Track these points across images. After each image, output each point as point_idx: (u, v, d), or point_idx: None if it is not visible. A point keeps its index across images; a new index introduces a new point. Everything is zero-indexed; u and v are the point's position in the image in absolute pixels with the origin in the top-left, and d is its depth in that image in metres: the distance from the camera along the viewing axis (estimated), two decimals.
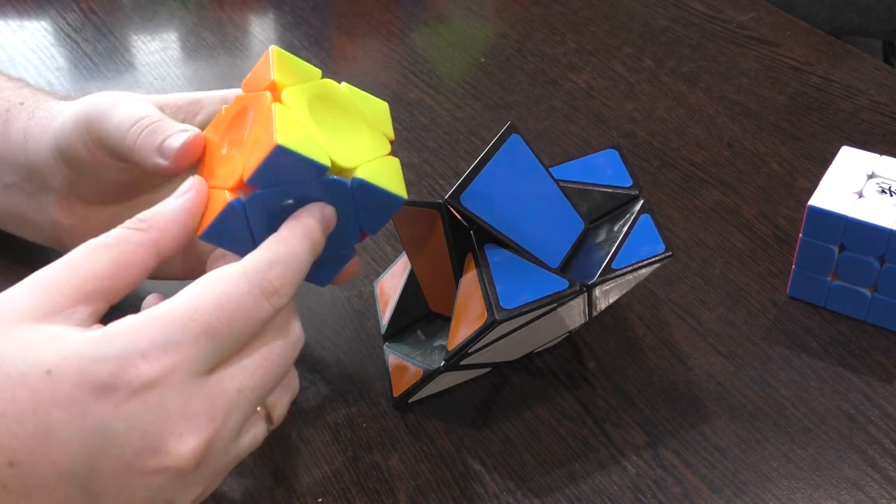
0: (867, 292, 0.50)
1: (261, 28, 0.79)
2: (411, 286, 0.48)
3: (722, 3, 0.80)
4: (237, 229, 0.38)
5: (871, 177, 0.51)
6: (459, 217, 0.43)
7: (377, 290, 0.51)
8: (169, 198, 0.38)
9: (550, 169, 0.45)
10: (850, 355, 0.49)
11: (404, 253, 0.49)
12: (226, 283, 0.35)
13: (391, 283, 0.50)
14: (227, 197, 0.37)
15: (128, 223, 0.36)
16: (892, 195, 0.49)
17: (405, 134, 0.66)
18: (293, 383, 0.40)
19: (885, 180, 0.50)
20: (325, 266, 0.41)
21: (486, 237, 0.43)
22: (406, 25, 0.79)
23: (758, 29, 0.77)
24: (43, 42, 0.77)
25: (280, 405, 0.39)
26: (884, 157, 0.52)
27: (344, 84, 0.41)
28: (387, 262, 0.54)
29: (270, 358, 0.36)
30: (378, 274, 0.53)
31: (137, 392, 0.32)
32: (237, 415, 0.35)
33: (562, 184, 0.46)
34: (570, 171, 0.49)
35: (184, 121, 0.43)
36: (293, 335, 0.37)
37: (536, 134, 0.65)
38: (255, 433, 0.37)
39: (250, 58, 0.75)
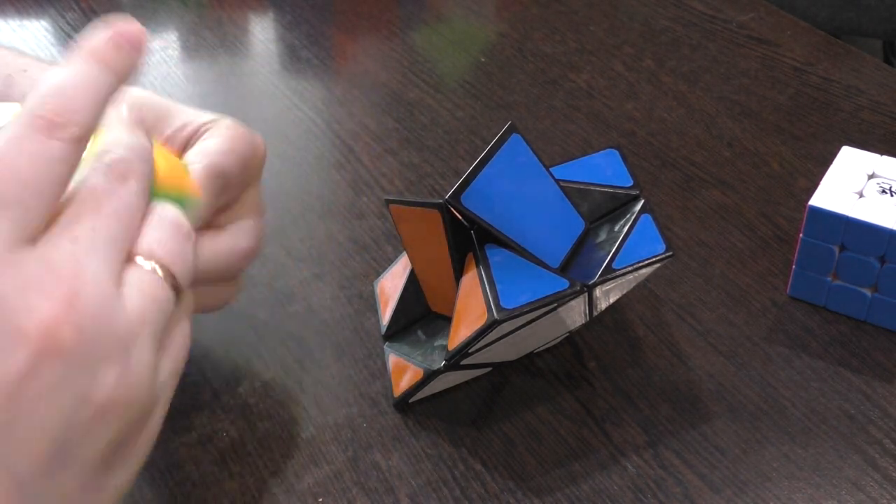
0: (867, 292, 0.50)
1: (261, 28, 0.79)
2: (411, 286, 0.48)
3: (722, 3, 0.80)
4: None
5: (871, 177, 0.51)
6: (460, 217, 0.43)
7: (377, 290, 0.51)
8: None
9: (551, 169, 0.45)
10: (851, 355, 0.49)
11: (404, 253, 0.49)
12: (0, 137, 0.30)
13: (391, 283, 0.50)
14: None
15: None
16: (892, 195, 0.49)
17: (405, 134, 0.66)
18: (168, 215, 0.34)
19: (885, 180, 0.50)
20: None
21: (487, 237, 0.43)
22: (406, 25, 0.79)
23: (758, 29, 0.77)
24: (43, 42, 0.77)
25: (161, 246, 0.33)
26: (884, 157, 0.52)
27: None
28: (387, 262, 0.54)
29: (92, 194, 0.32)
30: (378, 274, 0.53)
31: None
32: (88, 265, 0.30)
33: (562, 184, 0.46)
34: (570, 170, 0.49)
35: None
36: (118, 162, 0.33)
37: (536, 134, 0.65)
38: (142, 289, 0.32)
39: (250, 57, 0.75)
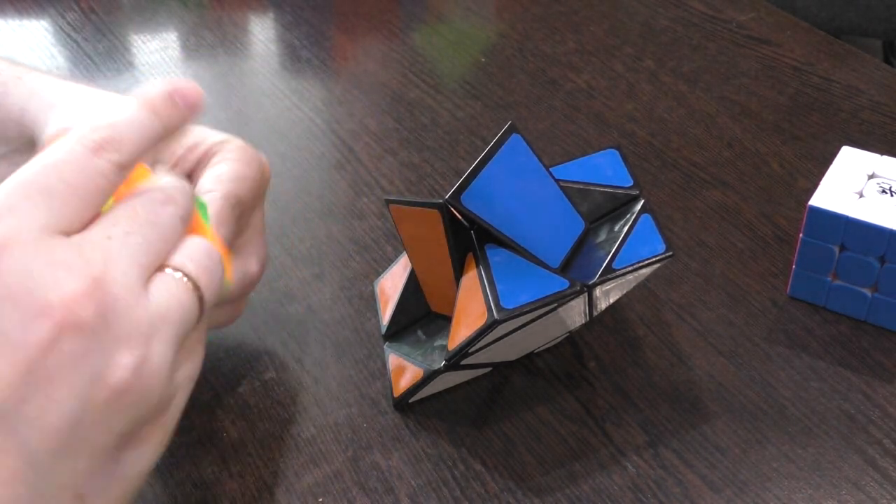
0: (867, 292, 0.50)
1: (261, 28, 0.79)
2: (411, 286, 0.48)
3: (722, 3, 0.80)
4: None
5: (871, 177, 0.51)
6: (460, 217, 0.43)
7: (377, 290, 0.51)
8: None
9: (551, 169, 0.45)
10: (851, 355, 0.49)
11: (404, 253, 0.49)
12: (48, 149, 0.33)
13: (391, 283, 0.50)
14: None
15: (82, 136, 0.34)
16: (892, 195, 0.49)
17: (405, 134, 0.66)
18: (202, 243, 0.36)
19: (885, 180, 0.50)
20: None
21: (487, 237, 0.43)
22: (406, 25, 0.79)
23: (758, 29, 0.77)
24: (43, 42, 0.77)
25: (193, 262, 0.35)
26: (884, 157, 0.52)
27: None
28: (387, 262, 0.54)
29: (133, 208, 0.34)
30: (378, 274, 0.53)
31: None
32: (118, 260, 0.32)
33: (562, 184, 0.46)
34: (570, 171, 0.49)
35: None
36: (158, 191, 0.35)
37: (536, 134, 0.65)
38: (169, 290, 0.33)
39: (250, 58, 0.75)
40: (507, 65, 0.73)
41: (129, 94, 0.36)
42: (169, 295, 0.33)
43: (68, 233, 0.32)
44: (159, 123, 0.36)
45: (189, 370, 0.35)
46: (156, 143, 0.36)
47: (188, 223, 0.36)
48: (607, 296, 0.45)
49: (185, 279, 0.34)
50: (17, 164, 0.47)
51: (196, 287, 0.34)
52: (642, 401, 0.47)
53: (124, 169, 0.34)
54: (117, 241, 0.32)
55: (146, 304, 0.32)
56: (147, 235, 0.34)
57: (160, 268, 0.34)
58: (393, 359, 0.47)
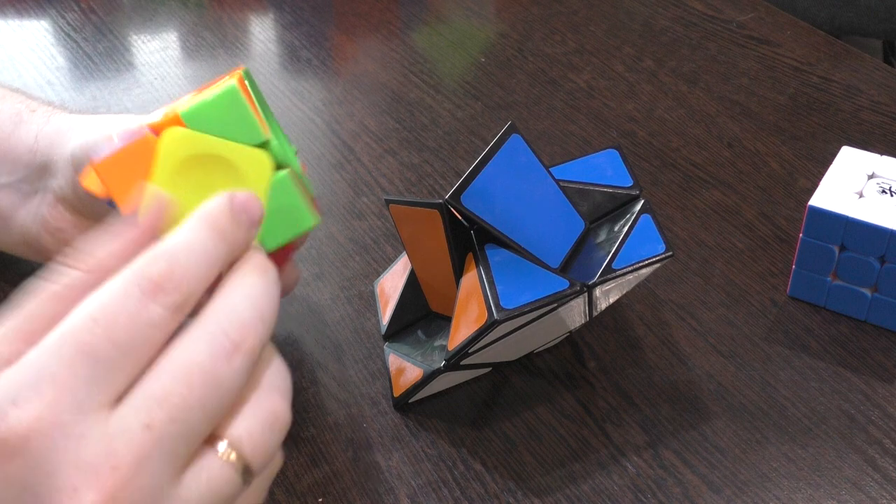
0: (867, 292, 0.50)
1: (261, 28, 0.79)
2: (411, 286, 0.48)
3: (722, 3, 0.80)
4: None
5: (871, 177, 0.51)
6: (460, 217, 0.43)
7: (377, 290, 0.51)
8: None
9: (551, 169, 0.45)
10: (850, 355, 0.49)
11: (404, 253, 0.49)
12: (100, 290, 0.29)
13: (391, 283, 0.50)
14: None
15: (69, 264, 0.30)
16: (892, 195, 0.49)
17: (405, 134, 0.66)
18: (270, 405, 0.31)
19: (885, 180, 0.50)
20: None
21: (487, 237, 0.43)
22: (406, 25, 0.79)
23: (758, 29, 0.77)
24: (43, 42, 0.77)
25: (251, 439, 0.30)
26: (884, 157, 0.52)
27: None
28: (387, 262, 0.54)
29: (188, 373, 0.29)
30: (378, 274, 0.53)
31: (16, 448, 0.27)
32: (153, 458, 0.28)
33: (562, 184, 0.46)
34: (570, 171, 0.49)
35: None
36: (223, 338, 0.30)
37: (536, 134, 0.65)
38: (209, 477, 0.29)
39: (250, 57, 0.75)
40: (507, 65, 0.73)
41: (143, 113, 0.33)
42: (209, 486, 0.29)
43: (112, 402, 0.28)
44: (224, 248, 0.31)
45: None
46: (218, 274, 0.31)
47: (255, 364, 0.30)
48: (607, 296, 0.45)
49: (235, 459, 0.30)
50: (23, 193, 0.48)
51: (245, 465, 0.30)
52: (642, 401, 0.47)
53: (183, 310, 0.29)
54: (156, 432, 0.28)
55: (175, 496, 0.29)
56: (194, 418, 0.29)
57: (211, 438, 0.30)
58: (393, 359, 0.47)
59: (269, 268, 0.32)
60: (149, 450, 0.28)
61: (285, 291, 0.46)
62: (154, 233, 0.32)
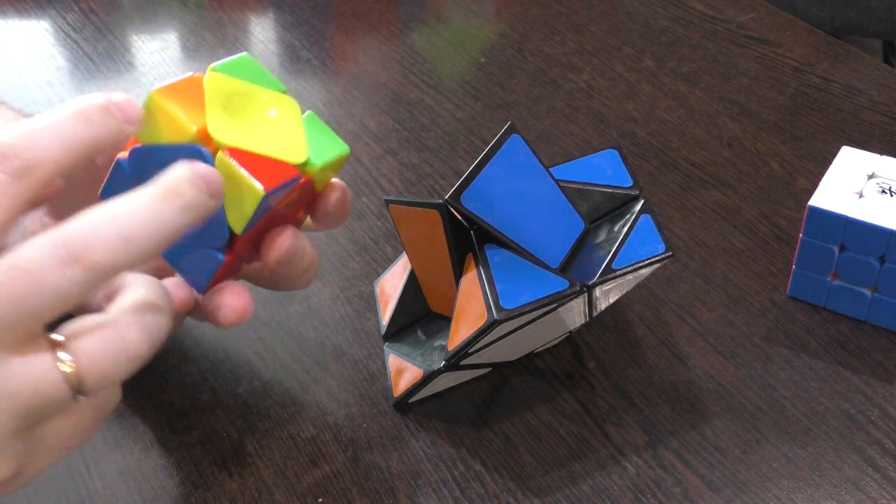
0: (867, 292, 0.50)
1: (261, 28, 0.79)
2: (411, 286, 0.48)
3: (722, 3, 0.80)
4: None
5: (871, 177, 0.51)
6: (459, 217, 0.43)
7: (377, 290, 0.51)
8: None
9: (550, 169, 0.45)
10: (850, 355, 0.49)
11: (404, 253, 0.49)
12: None
13: (391, 283, 0.50)
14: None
15: None
16: (892, 195, 0.49)
17: (405, 134, 0.66)
18: (122, 333, 0.32)
19: (885, 180, 0.50)
20: (192, 263, 0.39)
21: (487, 237, 0.43)
22: (406, 25, 0.79)
23: (758, 29, 0.77)
24: (43, 42, 0.77)
25: (92, 356, 0.31)
26: (884, 157, 0.52)
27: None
28: (387, 262, 0.54)
29: (13, 266, 0.30)
30: (378, 274, 0.53)
31: None
32: None
33: (562, 184, 0.46)
34: (570, 171, 0.49)
35: None
36: (62, 246, 0.30)
37: (536, 134, 0.65)
38: (35, 372, 0.31)
39: None
40: (507, 65, 0.73)
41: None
42: (31, 377, 0.31)
43: None
44: (88, 130, 0.33)
45: (42, 456, 0.33)
46: (85, 154, 0.33)
47: (117, 273, 0.32)
48: (607, 296, 0.45)
49: (67, 368, 0.31)
50: None
51: (79, 380, 0.31)
52: (642, 401, 0.47)
53: (21, 179, 0.32)
54: None
55: None
56: (8, 313, 0.30)
57: (53, 343, 0.32)
58: (393, 359, 0.47)
59: (170, 194, 0.32)
60: None
61: (337, 220, 0.44)
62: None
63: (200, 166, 0.33)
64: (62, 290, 0.30)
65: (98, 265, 0.31)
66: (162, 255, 0.39)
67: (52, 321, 0.31)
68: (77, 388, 0.31)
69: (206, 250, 0.39)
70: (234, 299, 0.39)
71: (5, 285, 0.30)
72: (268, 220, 0.40)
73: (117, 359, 0.32)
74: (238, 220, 0.38)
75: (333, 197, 0.43)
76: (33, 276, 0.30)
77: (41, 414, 0.32)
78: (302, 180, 0.40)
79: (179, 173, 0.33)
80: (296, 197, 0.41)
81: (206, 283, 0.40)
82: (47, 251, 0.30)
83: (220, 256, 0.39)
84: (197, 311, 0.43)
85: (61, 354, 0.31)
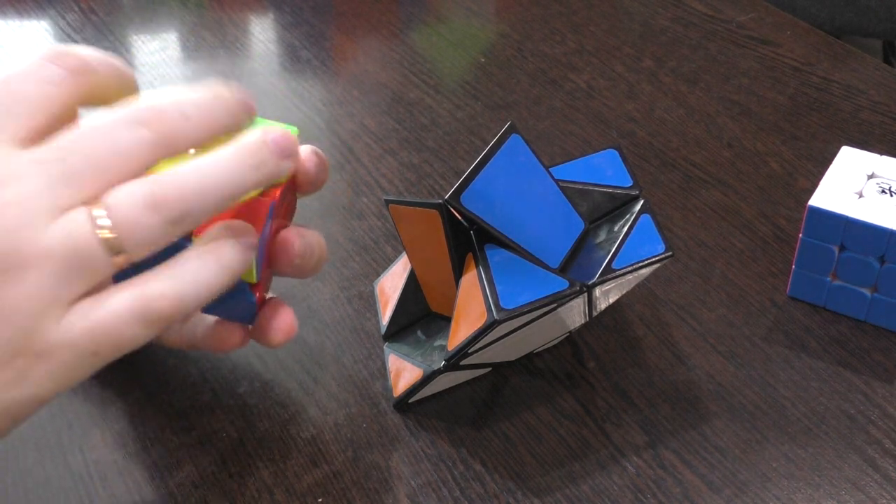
0: (867, 292, 0.50)
1: (261, 28, 0.79)
2: (411, 286, 0.48)
3: (722, 3, 0.80)
4: None
5: (871, 177, 0.51)
6: (459, 217, 0.43)
7: (377, 290, 0.51)
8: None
9: (550, 169, 0.45)
10: (850, 355, 0.49)
11: (404, 253, 0.49)
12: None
13: (391, 283, 0.50)
14: None
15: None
16: (892, 195, 0.49)
17: (405, 134, 0.66)
18: (155, 188, 0.33)
19: (885, 180, 0.50)
20: (232, 308, 0.41)
21: (487, 237, 0.43)
22: (406, 25, 0.79)
23: (758, 29, 0.77)
24: (43, 42, 0.77)
25: (124, 208, 0.32)
26: (884, 157, 0.52)
27: None
28: (387, 262, 0.54)
29: (91, 127, 0.33)
30: (378, 274, 0.53)
31: None
32: (32, 190, 0.32)
33: (562, 184, 0.46)
34: (570, 171, 0.49)
35: None
36: (133, 112, 0.33)
37: (536, 134, 0.65)
38: (71, 227, 0.32)
39: (250, 58, 0.75)
40: (506, 65, 0.73)
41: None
42: (68, 233, 0.32)
43: (10, 142, 0.32)
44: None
45: (82, 322, 0.33)
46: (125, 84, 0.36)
47: (165, 150, 0.34)
48: (607, 296, 0.45)
49: (101, 221, 0.32)
50: None
51: (113, 238, 0.32)
52: (642, 401, 0.47)
53: (78, 74, 0.34)
54: (42, 167, 0.32)
55: (34, 239, 0.31)
56: (78, 164, 0.32)
57: (94, 198, 0.33)
58: (393, 359, 0.47)
59: (245, 152, 0.35)
60: (33, 181, 0.32)
61: (316, 183, 0.43)
62: None
63: (273, 131, 0.36)
64: (131, 152, 0.33)
65: (164, 135, 0.34)
66: (202, 311, 0.41)
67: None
68: (111, 246, 0.32)
69: (239, 293, 0.40)
70: (280, 322, 0.41)
71: (85, 141, 0.33)
72: (272, 234, 0.41)
73: (151, 211, 0.33)
74: (247, 273, 0.39)
75: (308, 165, 0.42)
76: (106, 134, 0.33)
77: (77, 274, 0.32)
78: (277, 196, 0.40)
79: (253, 136, 0.36)
80: (281, 205, 0.41)
81: (251, 317, 0.42)
82: (119, 115, 0.33)
83: (253, 298, 0.41)
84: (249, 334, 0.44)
85: (96, 210, 0.32)
